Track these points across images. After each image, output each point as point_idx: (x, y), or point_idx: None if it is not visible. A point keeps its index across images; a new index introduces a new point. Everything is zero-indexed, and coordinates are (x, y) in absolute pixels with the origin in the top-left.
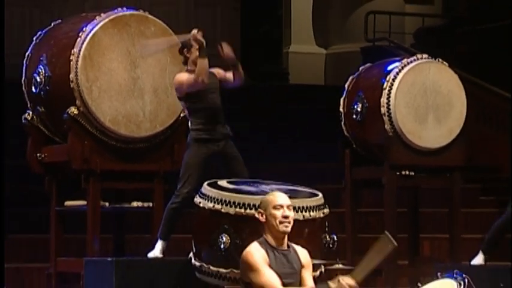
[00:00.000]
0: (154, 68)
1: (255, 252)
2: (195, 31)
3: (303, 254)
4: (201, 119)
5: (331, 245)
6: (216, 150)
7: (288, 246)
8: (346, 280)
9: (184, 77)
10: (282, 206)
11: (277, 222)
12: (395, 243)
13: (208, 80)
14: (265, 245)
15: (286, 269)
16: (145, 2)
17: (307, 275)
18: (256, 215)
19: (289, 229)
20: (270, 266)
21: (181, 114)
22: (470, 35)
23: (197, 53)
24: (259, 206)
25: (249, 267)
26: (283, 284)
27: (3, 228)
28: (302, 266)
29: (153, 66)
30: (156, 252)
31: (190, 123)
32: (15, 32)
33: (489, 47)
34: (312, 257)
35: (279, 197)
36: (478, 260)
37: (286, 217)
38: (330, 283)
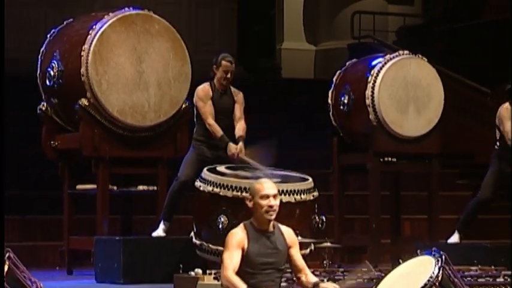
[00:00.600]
0: (158, 63)
1: (234, 235)
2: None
3: (288, 234)
4: (203, 134)
5: (320, 225)
6: (213, 156)
7: (274, 227)
8: (330, 285)
9: (200, 102)
10: (268, 196)
11: (263, 211)
12: None
13: (224, 103)
14: (250, 227)
15: (268, 250)
16: (151, 2)
17: (295, 253)
18: (246, 201)
19: (273, 217)
20: (247, 247)
21: (183, 105)
22: (447, 33)
23: (222, 74)
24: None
25: (225, 245)
26: (254, 269)
27: (3, 226)
28: (289, 246)
29: (157, 61)
30: (160, 231)
31: (195, 130)
32: (31, 30)
33: (464, 44)
34: (303, 236)
35: (265, 187)
36: (454, 238)
37: (271, 206)
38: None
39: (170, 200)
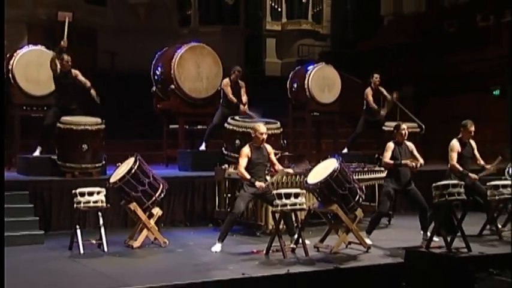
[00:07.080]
0: (206, 68)
1: (244, 149)
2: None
3: (268, 147)
4: (224, 103)
5: (283, 145)
6: (229, 113)
7: (263, 146)
8: (282, 170)
9: (224, 86)
10: (262, 133)
11: (259, 141)
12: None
13: (237, 89)
14: (252, 145)
15: (259, 156)
16: (204, 40)
17: (272, 156)
18: (252, 133)
19: (263, 142)
20: (251, 155)
21: (218, 88)
22: (344, 56)
23: (234, 76)
24: (254, 128)
25: (239, 155)
26: (253, 166)
27: (3, 227)
28: (269, 153)
29: (206, 67)
30: (202, 147)
31: (221, 99)
32: (147, 53)
33: (351, 61)
34: (275, 149)
35: (261, 128)
36: (345, 150)
37: (263, 139)
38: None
39: (208, 132)
